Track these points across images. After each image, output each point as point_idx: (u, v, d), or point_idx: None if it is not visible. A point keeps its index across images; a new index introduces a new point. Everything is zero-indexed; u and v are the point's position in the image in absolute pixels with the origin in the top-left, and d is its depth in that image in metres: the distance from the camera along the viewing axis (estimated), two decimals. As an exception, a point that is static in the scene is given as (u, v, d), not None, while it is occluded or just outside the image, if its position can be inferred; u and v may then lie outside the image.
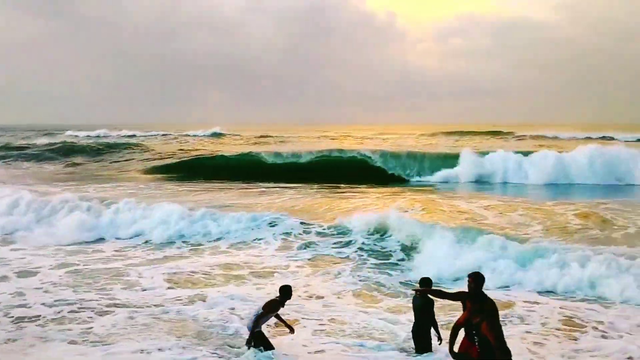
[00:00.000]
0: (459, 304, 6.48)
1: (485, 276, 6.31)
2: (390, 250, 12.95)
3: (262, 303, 7.33)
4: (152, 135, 66.88)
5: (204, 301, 9.68)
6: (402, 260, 12.40)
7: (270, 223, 14.92)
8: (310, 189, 22.98)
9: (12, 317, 8.87)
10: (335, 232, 14.20)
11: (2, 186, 20.37)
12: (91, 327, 8.45)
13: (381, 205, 17.81)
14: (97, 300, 9.70)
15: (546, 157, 26.50)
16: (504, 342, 5.95)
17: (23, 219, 16.02)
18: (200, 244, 14.06)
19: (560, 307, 9.30)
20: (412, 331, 7.34)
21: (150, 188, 23.37)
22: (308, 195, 21.09)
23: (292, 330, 7.32)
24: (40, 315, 8.96)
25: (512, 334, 7.75)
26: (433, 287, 7.19)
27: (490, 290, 8.28)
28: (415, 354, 7.30)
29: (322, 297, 10.10)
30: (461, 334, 6.23)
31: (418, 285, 7.32)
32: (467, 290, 6.25)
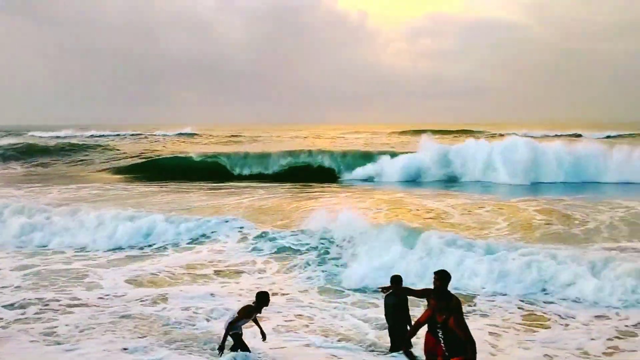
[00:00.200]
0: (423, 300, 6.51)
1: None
2: (341, 250, 12.28)
3: (237, 308, 7.30)
4: (122, 135, 65.90)
5: (167, 301, 9.57)
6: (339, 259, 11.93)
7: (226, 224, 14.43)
8: (281, 188, 23.04)
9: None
10: (292, 232, 13.59)
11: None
12: (56, 327, 8.36)
13: (347, 205, 17.93)
14: (59, 300, 9.55)
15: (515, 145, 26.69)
16: (472, 337, 5.97)
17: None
18: (164, 246, 13.61)
19: (519, 301, 9.47)
20: (389, 329, 7.35)
21: (116, 189, 23.11)
22: (275, 195, 21.11)
23: (264, 337, 7.31)
24: (2, 318, 8.81)
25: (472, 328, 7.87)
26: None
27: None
28: (389, 352, 7.33)
29: (288, 294, 10.11)
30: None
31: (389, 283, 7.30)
32: (432, 287, 6.28)
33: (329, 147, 35.95)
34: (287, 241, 13.06)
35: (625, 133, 54.27)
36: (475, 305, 9.35)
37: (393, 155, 29.06)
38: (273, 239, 13.22)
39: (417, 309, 7.74)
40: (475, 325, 7.70)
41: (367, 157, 29.96)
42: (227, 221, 14.49)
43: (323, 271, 11.35)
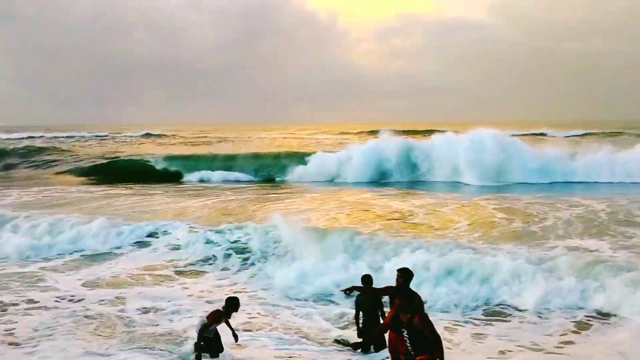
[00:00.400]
0: None
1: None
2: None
3: (206, 314, 7.33)
4: (86, 137, 64.72)
5: (127, 302, 9.54)
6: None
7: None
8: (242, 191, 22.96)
9: None
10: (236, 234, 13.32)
11: None
12: (13, 329, 8.28)
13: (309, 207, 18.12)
14: (16, 304, 9.41)
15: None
16: (438, 334, 5.88)
17: None
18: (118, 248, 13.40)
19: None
20: (362, 329, 7.41)
21: (79, 192, 22.74)
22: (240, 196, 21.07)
23: (236, 338, 7.35)
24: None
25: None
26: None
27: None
28: (359, 351, 7.43)
29: (247, 292, 10.19)
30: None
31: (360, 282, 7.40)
32: (395, 285, 6.28)
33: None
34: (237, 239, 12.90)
35: (590, 132, 54.97)
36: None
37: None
38: (226, 240, 12.97)
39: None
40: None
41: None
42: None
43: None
